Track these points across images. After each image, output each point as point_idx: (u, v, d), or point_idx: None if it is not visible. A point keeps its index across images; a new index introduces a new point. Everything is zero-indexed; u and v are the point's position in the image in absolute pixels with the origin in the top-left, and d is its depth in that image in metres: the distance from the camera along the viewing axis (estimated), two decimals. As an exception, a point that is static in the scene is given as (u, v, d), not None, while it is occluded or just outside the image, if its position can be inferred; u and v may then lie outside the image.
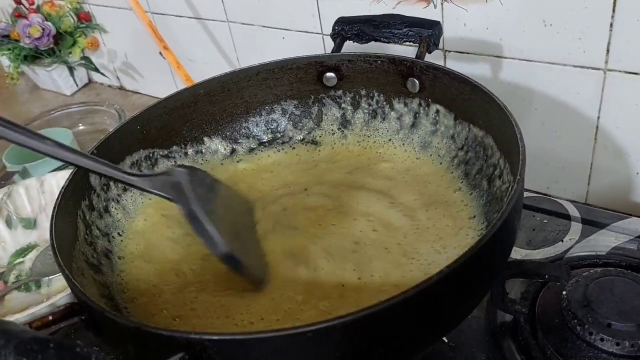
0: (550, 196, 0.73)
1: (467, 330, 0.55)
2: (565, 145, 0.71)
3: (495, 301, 0.53)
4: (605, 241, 0.63)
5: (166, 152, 0.66)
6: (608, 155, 0.68)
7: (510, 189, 0.46)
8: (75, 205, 0.54)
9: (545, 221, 0.68)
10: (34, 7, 1.19)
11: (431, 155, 0.63)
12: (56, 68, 1.23)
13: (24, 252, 0.78)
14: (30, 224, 0.80)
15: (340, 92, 0.69)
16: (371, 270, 0.50)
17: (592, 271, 0.55)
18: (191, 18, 1.01)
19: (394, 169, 0.64)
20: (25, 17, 1.17)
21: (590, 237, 0.65)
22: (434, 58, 0.70)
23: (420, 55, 0.62)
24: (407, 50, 0.74)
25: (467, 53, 0.73)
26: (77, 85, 1.29)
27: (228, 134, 0.70)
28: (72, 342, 0.32)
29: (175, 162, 0.67)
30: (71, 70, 1.25)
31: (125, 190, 0.61)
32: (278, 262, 0.52)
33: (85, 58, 1.23)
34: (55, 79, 1.26)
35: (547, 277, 0.49)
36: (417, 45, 0.64)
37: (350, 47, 0.69)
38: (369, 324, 0.35)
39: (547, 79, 0.68)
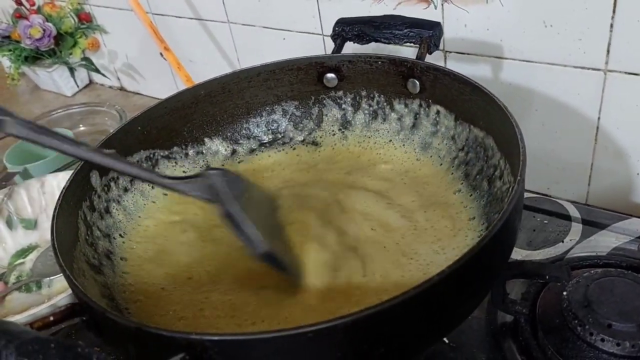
0: (550, 197, 0.73)
1: (468, 330, 0.55)
2: (565, 145, 0.71)
3: (496, 301, 0.53)
4: (605, 241, 0.63)
5: (167, 153, 0.66)
6: (608, 155, 0.68)
7: (510, 189, 0.46)
8: (76, 205, 0.54)
9: (545, 222, 0.68)
10: (35, 7, 1.19)
11: (431, 156, 0.63)
12: (57, 69, 1.23)
13: (24, 252, 0.78)
14: (31, 224, 0.80)
15: (340, 93, 0.69)
16: (372, 269, 0.50)
17: (592, 271, 0.55)
18: (192, 19, 1.01)
19: (394, 170, 0.64)
20: (26, 18, 1.17)
21: (591, 237, 0.65)
22: (434, 59, 0.70)
23: (420, 56, 0.62)
24: (407, 51, 0.74)
25: (468, 54, 0.73)
26: (78, 86, 1.29)
27: (228, 134, 0.70)
28: (73, 342, 0.32)
29: (175, 162, 0.67)
30: (72, 70, 1.25)
31: (125, 190, 0.61)
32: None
33: (85, 59, 1.23)
34: (55, 80, 1.26)
35: (547, 277, 0.49)
36: (417, 45, 0.64)
37: (351, 47, 0.69)
38: (369, 324, 0.35)
39: (548, 80, 0.68)
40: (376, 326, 0.36)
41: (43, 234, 0.79)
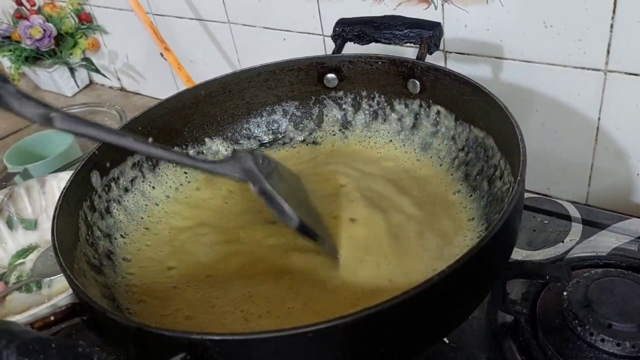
0: (550, 197, 0.73)
1: (468, 330, 0.55)
2: (565, 146, 0.71)
3: (496, 301, 0.53)
4: (605, 242, 0.64)
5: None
6: (608, 156, 0.68)
7: (510, 189, 0.46)
8: (77, 205, 0.54)
9: (545, 222, 0.68)
10: (35, 8, 1.20)
11: (431, 157, 0.63)
12: (57, 69, 1.24)
13: (24, 252, 0.78)
14: (31, 224, 0.80)
15: (340, 93, 0.69)
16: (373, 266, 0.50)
17: (592, 272, 0.55)
18: (192, 19, 1.01)
19: (396, 166, 0.64)
20: (26, 18, 1.17)
21: (591, 237, 0.65)
22: (434, 59, 0.70)
23: (420, 56, 0.63)
24: (407, 51, 0.74)
25: (468, 54, 0.73)
26: (78, 86, 1.29)
27: (229, 134, 0.70)
28: (74, 342, 0.32)
29: (176, 163, 0.67)
30: (72, 71, 1.25)
31: (126, 191, 0.61)
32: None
33: (86, 59, 1.24)
34: (56, 80, 1.26)
35: (547, 277, 0.49)
36: (417, 46, 0.64)
37: (351, 48, 0.69)
38: (369, 324, 0.35)
39: (548, 80, 0.68)
40: (376, 326, 0.36)
41: (43, 234, 0.79)
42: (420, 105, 0.64)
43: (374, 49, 0.69)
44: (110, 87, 1.30)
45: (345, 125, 0.70)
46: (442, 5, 0.71)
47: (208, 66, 1.05)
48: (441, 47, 0.71)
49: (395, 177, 0.62)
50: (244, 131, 0.71)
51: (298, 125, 0.71)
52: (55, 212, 0.49)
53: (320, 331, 0.34)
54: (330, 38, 0.70)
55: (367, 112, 0.69)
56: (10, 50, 1.22)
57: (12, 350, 0.30)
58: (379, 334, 0.36)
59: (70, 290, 0.60)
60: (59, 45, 1.20)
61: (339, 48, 0.69)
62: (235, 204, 0.62)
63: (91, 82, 1.33)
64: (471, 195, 0.57)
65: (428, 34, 0.63)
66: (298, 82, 0.69)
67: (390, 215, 0.55)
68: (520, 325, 0.54)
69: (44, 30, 1.17)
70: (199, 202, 0.63)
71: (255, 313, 0.48)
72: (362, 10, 0.77)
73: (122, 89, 1.29)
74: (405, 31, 0.64)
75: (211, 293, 0.51)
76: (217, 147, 0.70)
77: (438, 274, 0.36)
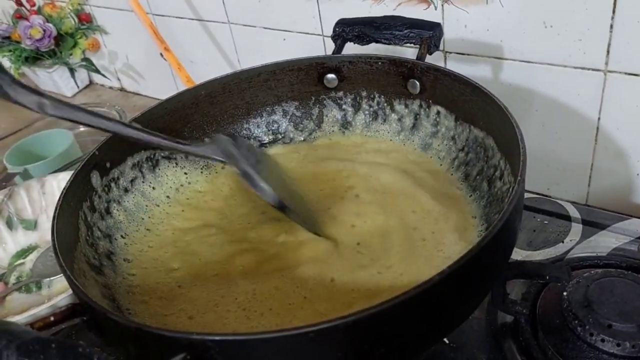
0: (550, 197, 0.73)
1: (468, 330, 0.55)
2: (565, 146, 0.71)
3: (496, 302, 0.53)
4: (605, 242, 0.64)
5: (167, 153, 0.66)
6: (608, 156, 0.68)
7: (510, 189, 0.46)
8: (77, 206, 0.54)
9: (545, 222, 0.68)
10: (35, 8, 1.20)
11: (431, 157, 0.63)
12: (57, 69, 1.24)
13: (24, 253, 0.78)
14: (31, 225, 0.80)
15: (340, 93, 0.69)
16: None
17: (592, 272, 0.55)
18: (192, 19, 1.01)
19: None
20: (26, 19, 1.17)
21: (591, 237, 0.65)
22: (434, 59, 0.70)
23: (420, 57, 0.63)
24: (407, 52, 0.74)
25: (468, 54, 0.73)
26: (78, 87, 1.29)
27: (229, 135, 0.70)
28: (74, 342, 0.32)
29: (176, 163, 0.67)
30: (72, 71, 1.25)
31: (126, 191, 0.61)
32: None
33: (85, 59, 1.24)
34: (55, 80, 1.26)
35: (547, 277, 0.49)
36: (417, 46, 0.64)
37: (351, 48, 0.69)
38: (370, 324, 0.35)
39: (548, 80, 0.68)
40: (377, 326, 0.36)
41: (43, 235, 0.79)
42: (420, 106, 0.64)
43: (373, 49, 0.69)
44: (110, 88, 1.30)
45: (345, 125, 0.70)
46: (442, 5, 0.71)
47: (208, 66, 1.05)
48: (441, 47, 0.72)
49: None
50: (244, 131, 0.71)
51: (298, 125, 0.71)
52: (55, 212, 0.49)
53: (321, 331, 0.34)
54: (330, 38, 0.70)
55: (367, 112, 0.69)
56: (10, 51, 1.22)
57: (12, 350, 0.30)
58: (380, 333, 0.36)
59: (70, 291, 0.60)
60: (59, 46, 1.20)
61: (339, 48, 0.69)
62: (237, 205, 0.62)
63: (91, 82, 1.33)
64: (471, 196, 0.57)
65: (428, 34, 0.63)
66: (298, 83, 0.69)
67: (404, 216, 0.55)
68: (520, 326, 0.54)
69: (44, 30, 1.17)
70: (200, 203, 0.63)
71: (258, 311, 0.48)
72: (362, 11, 0.77)
73: (122, 89, 1.29)
74: (405, 31, 0.64)
75: (216, 291, 0.51)
76: (217, 148, 0.69)
77: (438, 274, 0.36)
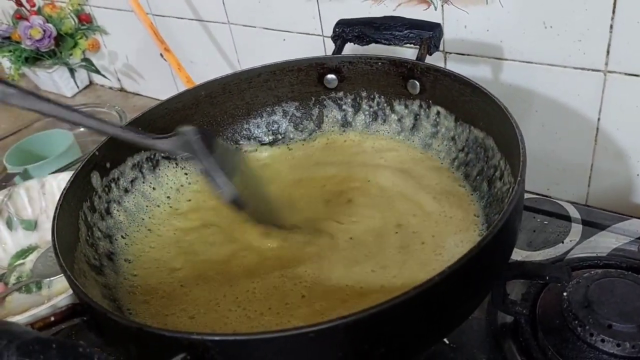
0: (550, 197, 0.73)
1: (468, 331, 0.55)
2: (565, 146, 0.71)
3: (496, 302, 0.53)
4: (605, 242, 0.63)
5: (167, 154, 0.66)
6: (608, 156, 0.68)
7: (510, 190, 0.46)
8: (77, 206, 0.54)
9: (545, 222, 0.68)
10: (35, 8, 1.20)
11: (432, 156, 0.63)
12: (57, 69, 1.24)
13: (24, 253, 0.78)
14: (31, 225, 0.80)
15: (340, 94, 0.69)
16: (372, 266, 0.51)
17: (592, 272, 0.55)
18: (192, 20, 1.01)
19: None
20: (26, 19, 1.17)
21: (591, 238, 0.65)
22: (434, 60, 0.70)
23: (420, 57, 0.63)
24: (407, 52, 0.74)
25: (468, 55, 0.73)
26: (78, 87, 1.29)
27: (229, 135, 0.70)
28: (74, 342, 0.32)
29: (176, 163, 0.67)
30: (72, 71, 1.25)
31: (126, 191, 0.61)
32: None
33: (85, 59, 1.24)
34: (55, 81, 1.26)
35: (547, 278, 0.49)
36: (417, 47, 0.64)
37: (351, 48, 0.69)
38: (370, 324, 0.35)
39: (548, 81, 0.68)
40: (377, 326, 0.36)
41: (43, 235, 0.79)
42: (420, 106, 0.64)
43: (373, 49, 0.69)
44: (110, 88, 1.30)
45: (345, 125, 0.70)
46: (442, 6, 0.71)
47: (208, 67, 1.05)
48: (441, 47, 0.72)
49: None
50: (244, 132, 0.71)
51: (298, 125, 0.71)
52: (55, 212, 0.49)
53: (322, 331, 0.34)
54: (330, 39, 0.70)
55: (367, 112, 0.69)
56: (10, 51, 1.22)
57: (12, 350, 0.30)
58: (380, 334, 0.36)
59: (70, 291, 0.60)
60: (59, 46, 1.20)
61: (339, 49, 0.69)
62: None
63: (91, 82, 1.33)
64: (471, 196, 0.57)
65: (428, 34, 0.63)
66: (298, 83, 0.69)
67: (403, 220, 0.55)
68: (520, 326, 0.54)
69: (44, 30, 1.17)
70: (200, 204, 0.63)
71: (258, 310, 0.48)
72: (362, 11, 0.77)
73: (122, 90, 1.29)
74: (405, 32, 0.64)
75: (218, 291, 0.51)
76: (217, 148, 0.70)
77: (438, 274, 0.36)
